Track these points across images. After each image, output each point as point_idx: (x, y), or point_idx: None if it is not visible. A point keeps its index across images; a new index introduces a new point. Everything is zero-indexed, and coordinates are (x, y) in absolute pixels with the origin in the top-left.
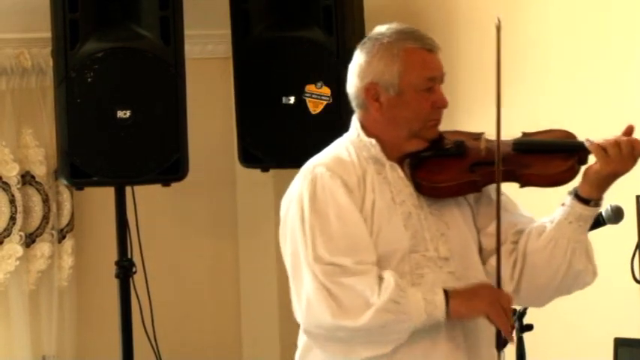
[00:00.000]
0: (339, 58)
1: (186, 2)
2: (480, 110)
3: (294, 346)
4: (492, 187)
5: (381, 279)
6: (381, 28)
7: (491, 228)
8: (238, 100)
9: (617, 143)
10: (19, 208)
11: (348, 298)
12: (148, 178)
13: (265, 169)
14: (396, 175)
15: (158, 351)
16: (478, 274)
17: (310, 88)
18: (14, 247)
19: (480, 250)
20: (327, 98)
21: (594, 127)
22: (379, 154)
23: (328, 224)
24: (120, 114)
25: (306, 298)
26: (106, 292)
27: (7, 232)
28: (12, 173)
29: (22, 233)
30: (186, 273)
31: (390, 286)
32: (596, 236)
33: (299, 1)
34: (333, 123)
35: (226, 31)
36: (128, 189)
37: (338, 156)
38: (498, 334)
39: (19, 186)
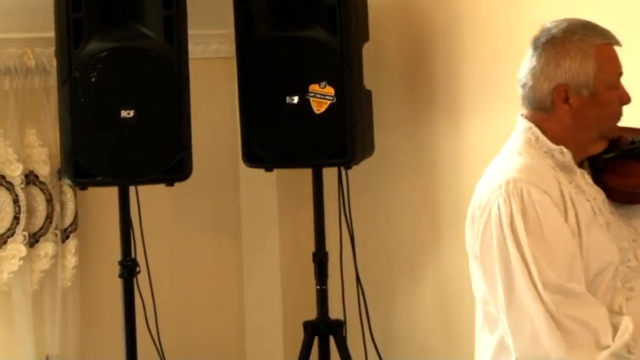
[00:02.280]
0: (343, 57)
1: (189, 2)
2: (484, 110)
3: (297, 345)
4: None
5: (614, 323)
6: (559, 26)
7: None
8: (242, 100)
9: None
10: (23, 208)
11: (581, 334)
12: (152, 177)
13: (269, 169)
14: (585, 182)
15: (162, 351)
16: None
17: (314, 87)
18: (18, 246)
19: None
20: (331, 98)
21: None
22: (570, 162)
23: (546, 246)
24: (123, 114)
25: (531, 329)
26: (110, 292)
27: (11, 231)
28: (15, 173)
29: (25, 233)
30: (190, 273)
31: (628, 331)
32: None
33: (302, 1)
34: (337, 122)
35: (230, 31)
36: (132, 189)
37: (531, 167)
38: None
39: (22, 186)
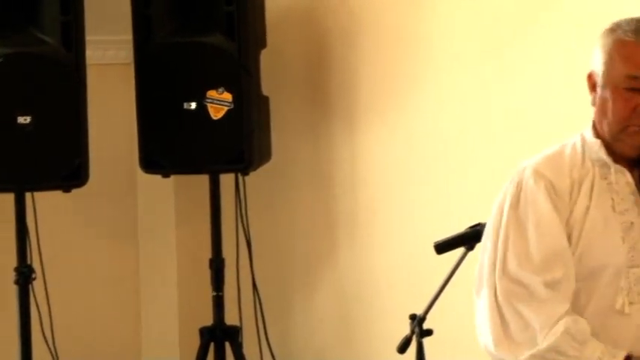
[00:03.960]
0: (241, 63)
1: (87, 8)
2: (380, 117)
3: (193, 351)
4: None
5: (611, 323)
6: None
7: None
8: (140, 106)
9: None
10: None
11: (518, 329)
12: (49, 184)
13: (166, 175)
14: (624, 180)
15: (57, 356)
16: None
17: (211, 93)
18: None
19: None
20: (229, 104)
21: (491, 131)
22: (604, 157)
23: (525, 235)
24: (20, 120)
25: (480, 315)
26: (6, 299)
27: None
28: None
29: None
30: (87, 279)
31: (556, 333)
32: None
33: (201, 7)
34: (234, 128)
35: (128, 37)
36: (28, 194)
37: (555, 156)
38: None
39: None
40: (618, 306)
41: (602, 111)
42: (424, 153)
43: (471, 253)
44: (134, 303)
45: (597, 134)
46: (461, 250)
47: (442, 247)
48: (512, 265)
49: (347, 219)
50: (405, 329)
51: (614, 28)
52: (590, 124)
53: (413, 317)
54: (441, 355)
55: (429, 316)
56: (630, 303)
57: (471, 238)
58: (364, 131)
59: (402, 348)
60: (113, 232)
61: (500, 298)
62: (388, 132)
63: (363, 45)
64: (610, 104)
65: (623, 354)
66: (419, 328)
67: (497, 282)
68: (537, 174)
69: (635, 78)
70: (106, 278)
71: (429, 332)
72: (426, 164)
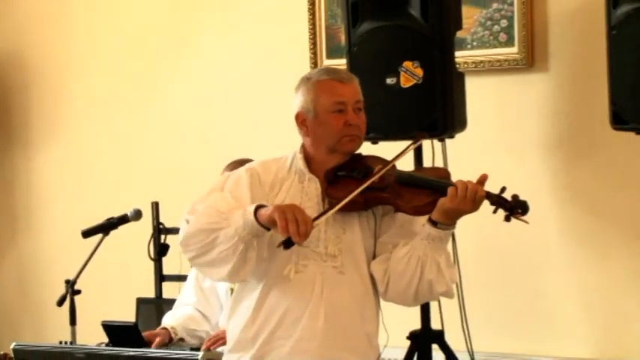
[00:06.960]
0: None
1: None
2: (49, 144)
3: None
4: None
5: (283, 286)
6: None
7: (382, 238)
8: None
9: (465, 187)
10: None
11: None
12: None
13: None
14: (314, 186)
15: None
16: (361, 272)
17: None
18: None
19: (375, 254)
20: None
21: (130, 156)
22: (303, 168)
23: (223, 196)
24: None
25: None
26: None
27: None
28: None
29: None
30: None
31: (210, 198)
32: (127, 230)
33: None
34: None
35: None
36: None
37: (271, 161)
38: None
39: None
40: (285, 272)
41: (318, 135)
42: (80, 165)
43: (107, 238)
44: None
45: (304, 152)
46: (100, 235)
47: (87, 233)
48: (200, 202)
49: (23, 213)
50: (64, 290)
51: (309, 77)
52: (301, 143)
53: (67, 281)
54: (88, 307)
55: (79, 281)
56: (296, 272)
57: (106, 227)
58: (36, 150)
59: (59, 303)
60: None
61: (197, 206)
62: (53, 149)
63: (35, 95)
64: (326, 126)
65: (255, 204)
66: (71, 288)
67: (196, 205)
68: (249, 168)
69: (339, 103)
70: None
71: (78, 292)
72: (81, 172)
